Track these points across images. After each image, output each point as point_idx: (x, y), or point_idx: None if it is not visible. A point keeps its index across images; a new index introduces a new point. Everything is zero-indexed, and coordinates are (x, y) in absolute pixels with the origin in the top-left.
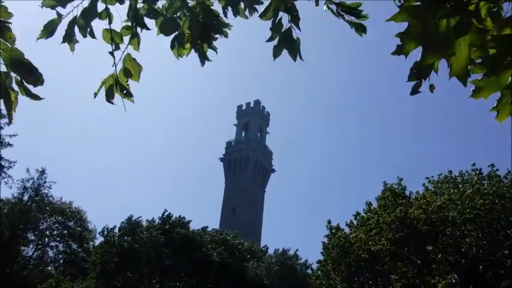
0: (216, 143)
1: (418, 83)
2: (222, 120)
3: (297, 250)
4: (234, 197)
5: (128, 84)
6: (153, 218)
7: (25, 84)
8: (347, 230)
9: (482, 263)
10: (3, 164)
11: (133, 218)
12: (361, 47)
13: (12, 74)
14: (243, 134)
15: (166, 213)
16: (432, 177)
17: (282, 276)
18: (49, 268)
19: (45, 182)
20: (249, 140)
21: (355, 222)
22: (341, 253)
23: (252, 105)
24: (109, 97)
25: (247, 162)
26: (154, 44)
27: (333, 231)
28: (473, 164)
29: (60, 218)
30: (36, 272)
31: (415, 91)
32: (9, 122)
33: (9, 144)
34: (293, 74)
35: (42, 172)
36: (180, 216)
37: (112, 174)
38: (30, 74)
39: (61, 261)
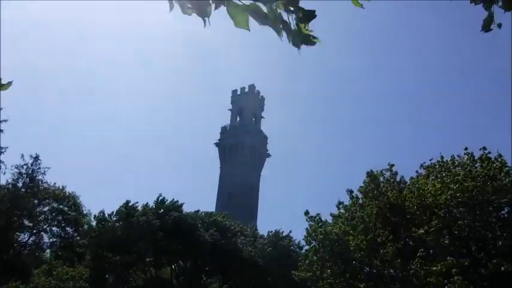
0: (211, 128)
1: (489, 20)
2: (216, 105)
3: (290, 231)
4: (229, 182)
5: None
6: (147, 203)
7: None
8: (330, 220)
9: (475, 245)
10: None
11: (130, 204)
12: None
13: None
14: (238, 119)
15: (160, 198)
16: (424, 163)
17: (275, 257)
18: (46, 253)
19: (39, 168)
20: (244, 125)
21: (337, 212)
22: (323, 246)
23: (246, 90)
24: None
25: (242, 147)
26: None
27: (312, 223)
28: (466, 149)
29: (54, 203)
30: (32, 257)
31: (486, 27)
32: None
33: (0, 130)
34: (288, 57)
35: (36, 158)
36: (173, 199)
37: (107, 160)
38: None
39: (57, 246)
